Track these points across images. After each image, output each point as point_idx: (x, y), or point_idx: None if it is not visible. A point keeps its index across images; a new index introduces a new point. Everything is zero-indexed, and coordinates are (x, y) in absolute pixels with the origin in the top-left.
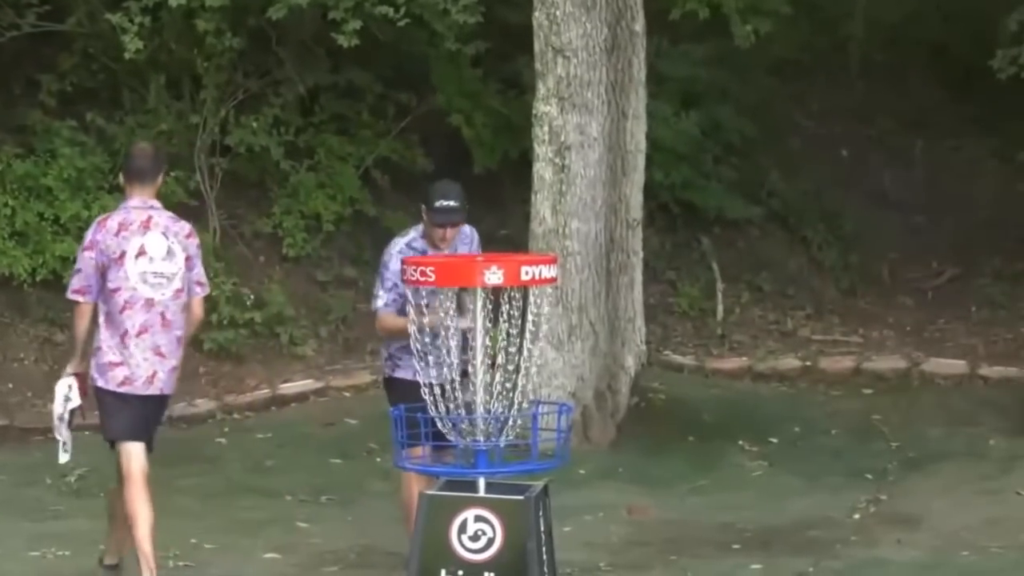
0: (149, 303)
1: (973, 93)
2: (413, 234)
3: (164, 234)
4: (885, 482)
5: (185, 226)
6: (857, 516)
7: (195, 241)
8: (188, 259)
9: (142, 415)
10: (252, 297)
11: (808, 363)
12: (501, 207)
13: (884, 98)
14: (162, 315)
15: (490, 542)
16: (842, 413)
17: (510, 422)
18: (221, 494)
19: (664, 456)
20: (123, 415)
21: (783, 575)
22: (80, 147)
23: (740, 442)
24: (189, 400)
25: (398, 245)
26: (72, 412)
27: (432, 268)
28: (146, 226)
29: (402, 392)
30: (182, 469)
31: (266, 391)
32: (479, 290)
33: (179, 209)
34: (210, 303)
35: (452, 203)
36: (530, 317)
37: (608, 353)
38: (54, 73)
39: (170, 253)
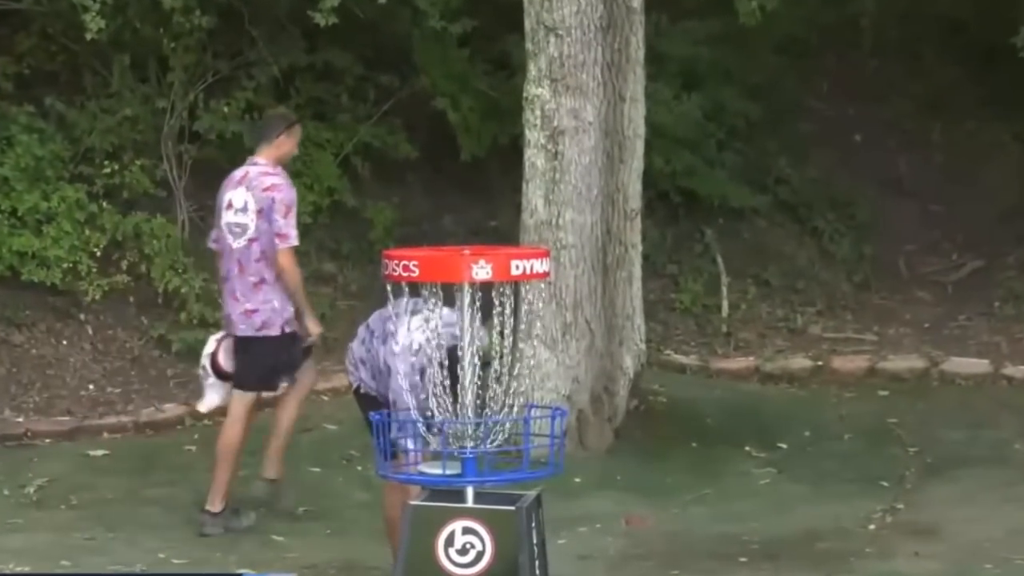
0: (231, 251)
1: (994, 72)
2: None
3: (247, 187)
4: (902, 490)
5: (266, 180)
6: (872, 526)
7: (272, 195)
8: (259, 211)
9: (239, 358)
10: None
11: (819, 363)
12: (490, 197)
13: (899, 78)
14: (239, 262)
15: (479, 556)
16: (855, 416)
17: (500, 427)
18: (191, 505)
19: (665, 463)
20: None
21: None
22: (39, 134)
23: (746, 447)
24: (157, 405)
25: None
26: (212, 358)
27: (416, 262)
28: (240, 181)
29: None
30: (149, 478)
31: None
32: (466, 286)
33: (145, 200)
34: (179, 300)
35: None
36: (522, 315)
37: (605, 353)
38: (10, 55)
39: (245, 205)
